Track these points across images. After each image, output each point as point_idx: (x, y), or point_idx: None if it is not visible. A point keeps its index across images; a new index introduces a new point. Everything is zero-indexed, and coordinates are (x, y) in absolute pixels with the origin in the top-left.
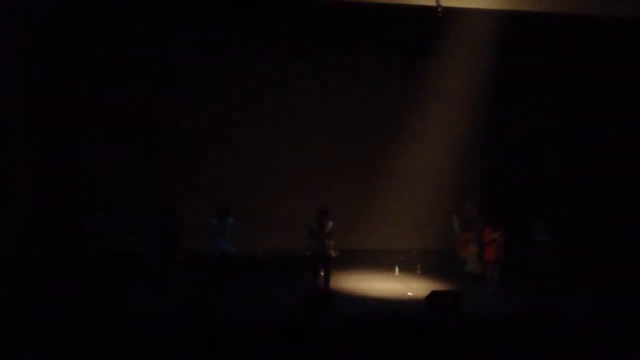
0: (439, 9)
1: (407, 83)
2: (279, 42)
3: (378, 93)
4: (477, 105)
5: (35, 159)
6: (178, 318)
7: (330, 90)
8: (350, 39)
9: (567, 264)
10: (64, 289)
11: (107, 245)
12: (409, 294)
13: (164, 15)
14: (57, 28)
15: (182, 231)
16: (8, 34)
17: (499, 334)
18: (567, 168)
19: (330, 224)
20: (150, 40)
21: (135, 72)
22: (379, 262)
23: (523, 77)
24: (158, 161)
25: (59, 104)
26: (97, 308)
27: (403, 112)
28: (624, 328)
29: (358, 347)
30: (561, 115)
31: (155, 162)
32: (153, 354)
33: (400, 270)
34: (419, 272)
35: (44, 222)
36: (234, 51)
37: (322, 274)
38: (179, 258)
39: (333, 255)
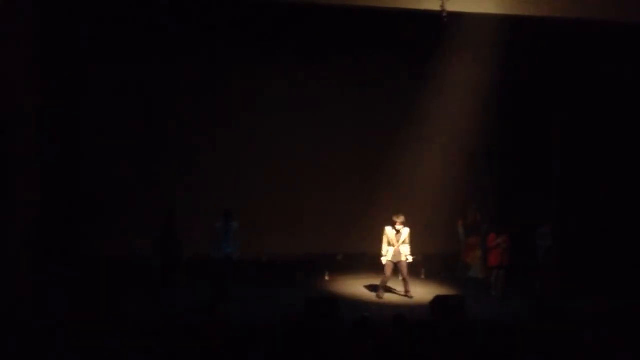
0: (444, 14)
1: (412, 87)
2: (282, 44)
3: (382, 96)
4: (481, 109)
5: (37, 162)
6: (182, 323)
7: (334, 93)
8: (354, 42)
9: (572, 269)
10: (65, 293)
11: (108, 249)
12: (412, 297)
13: (165, 18)
14: (60, 30)
15: (185, 235)
16: (10, 34)
17: (503, 339)
18: (573, 172)
19: (407, 231)
20: (151, 42)
21: (137, 74)
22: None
23: (528, 80)
24: (160, 165)
25: (60, 107)
26: (99, 313)
27: (408, 116)
28: (628, 333)
29: (361, 351)
30: (567, 119)
31: (157, 166)
32: (153, 354)
33: None
34: (423, 276)
35: (45, 225)
36: (236, 53)
37: (401, 278)
38: (181, 261)
39: (407, 260)
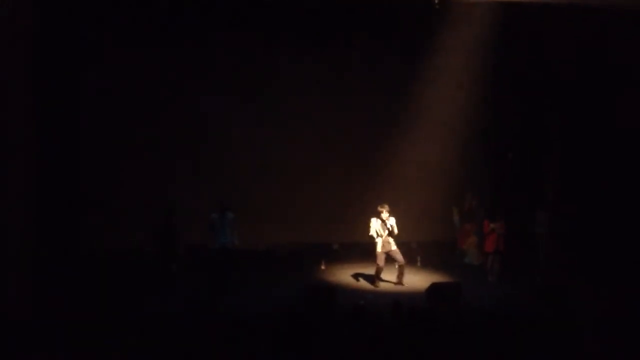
0: (436, 0)
1: (406, 75)
2: (277, 38)
3: (376, 85)
4: (476, 96)
5: (36, 161)
6: (181, 317)
7: (327, 83)
8: (347, 31)
9: (567, 255)
10: (65, 293)
11: (108, 245)
12: (403, 284)
13: (163, 12)
14: (58, 29)
15: (182, 227)
16: (10, 34)
17: (499, 324)
18: (569, 159)
19: (393, 220)
20: (150, 37)
21: (135, 69)
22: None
23: (524, 67)
24: (158, 158)
25: (59, 106)
26: (99, 312)
27: (402, 104)
28: (622, 321)
29: (358, 339)
30: (563, 106)
31: (155, 160)
32: (155, 351)
33: None
34: (419, 264)
35: (44, 220)
36: (232, 50)
37: (397, 266)
38: (178, 253)
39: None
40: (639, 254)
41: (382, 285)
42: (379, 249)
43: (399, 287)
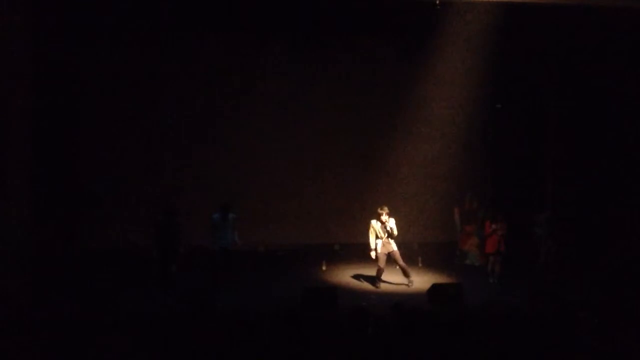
0: (437, 1)
1: (407, 76)
2: (276, 37)
3: (376, 85)
4: (477, 97)
5: (35, 161)
6: (180, 314)
7: (329, 84)
8: (346, 32)
9: (567, 256)
10: (64, 287)
11: (107, 243)
12: (412, 282)
13: (162, 12)
14: (58, 28)
15: (184, 227)
16: (9, 32)
17: (500, 325)
18: (568, 159)
19: (393, 221)
20: (148, 38)
21: (134, 69)
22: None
23: (524, 68)
24: (158, 158)
25: (58, 105)
26: (98, 306)
27: (402, 105)
28: (622, 321)
29: (360, 341)
30: (563, 106)
31: (155, 160)
32: (154, 349)
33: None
34: (420, 265)
35: (44, 220)
36: (230, 49)
37: (397, 268)
38: (179, 253)
39: (394, 249)
40: (639, 254)
41: (384, 287)
42: (379, 250)
43: (400, 288)
